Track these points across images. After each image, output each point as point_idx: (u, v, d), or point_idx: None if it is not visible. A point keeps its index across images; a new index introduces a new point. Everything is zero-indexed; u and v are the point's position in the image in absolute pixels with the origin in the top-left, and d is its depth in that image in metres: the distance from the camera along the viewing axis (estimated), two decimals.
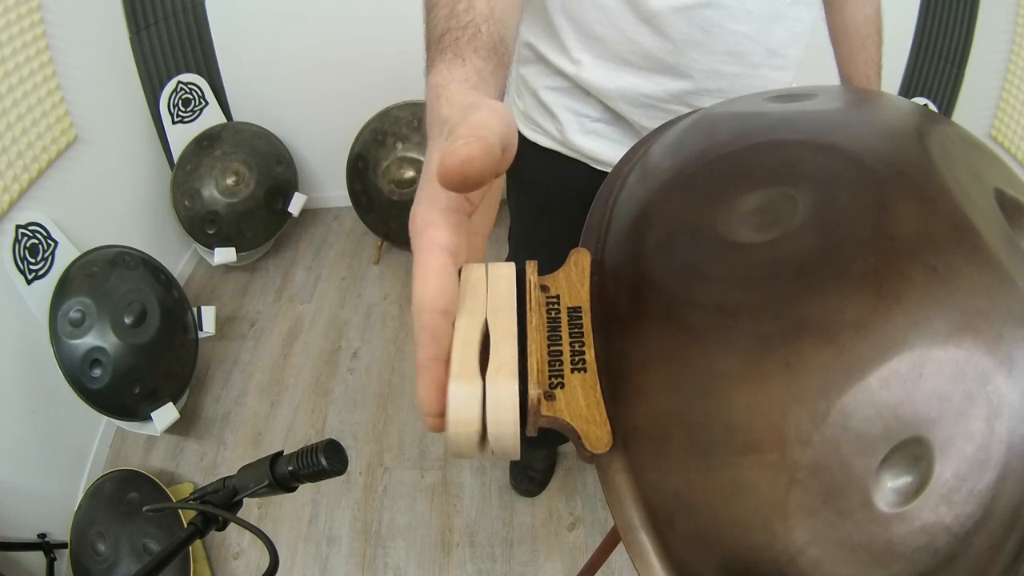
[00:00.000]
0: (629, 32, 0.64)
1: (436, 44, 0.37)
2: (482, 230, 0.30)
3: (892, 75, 2.02)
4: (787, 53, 0.66)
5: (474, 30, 0.37)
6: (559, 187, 0.82)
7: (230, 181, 1.93)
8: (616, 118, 0.72)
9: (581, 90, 0.71)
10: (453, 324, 0.26)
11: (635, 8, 0.62)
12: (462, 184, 0.24)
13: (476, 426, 0.24)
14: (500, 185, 0.31)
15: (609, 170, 0.75)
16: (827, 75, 0.73)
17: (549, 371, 0.27)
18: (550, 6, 0.68)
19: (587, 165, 0.77)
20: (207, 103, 2.01)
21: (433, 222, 0.26)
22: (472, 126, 0.25)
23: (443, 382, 0.25)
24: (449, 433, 0.25)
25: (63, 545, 1.33)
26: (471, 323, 0.26)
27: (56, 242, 1.43)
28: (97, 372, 1.39)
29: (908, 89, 2.05)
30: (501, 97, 0.36)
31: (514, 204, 0.96)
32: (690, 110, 0.65)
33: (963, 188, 0.26)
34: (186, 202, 1.91)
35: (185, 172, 1.91)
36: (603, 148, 0.74)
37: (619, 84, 0.68)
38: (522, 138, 0.82)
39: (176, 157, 1.93)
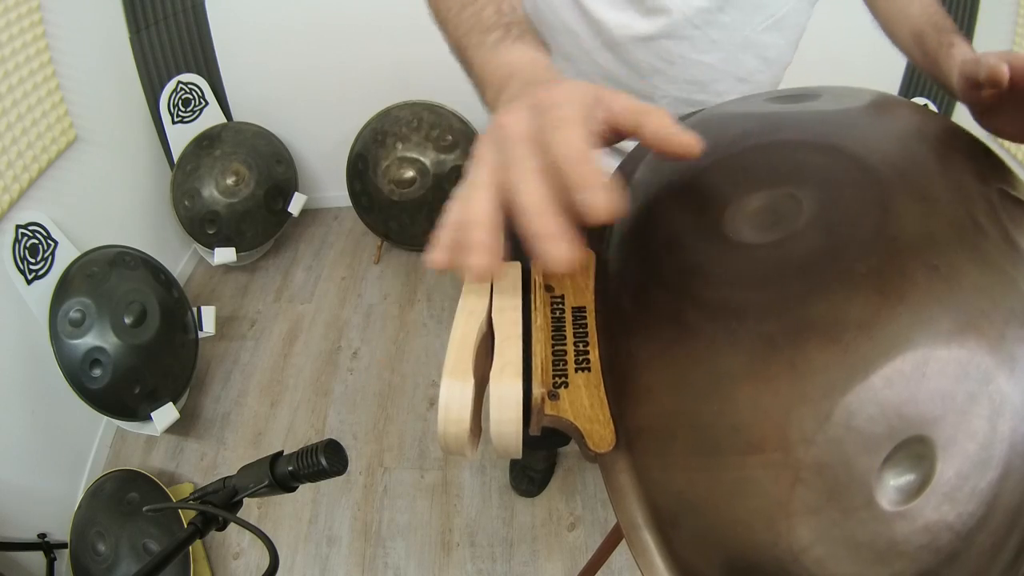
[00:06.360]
0: (595, 56, 0.64)
1: (500, 29, 0.39)
2: None
3: (892, 75, 2.02)
4: (758, 79, 0.64)
5: (529, 26, 0.40)
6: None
7: (230, 181, 1.93)
8: None
9: None
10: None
11: (599, 35, 0.62)
12: None
13: (467, 424, 0.24)
14: None
15: None
16: (824, 76, 0.72)
17: (553, 370, 0.27)
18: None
19: None
20: (207, 103, 2.01)
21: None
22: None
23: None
24: (440, 431, 0.25)
25: (63, 545, 1.33)
26: (470, 321, 0.27)
27: (56, 242, 1.43)
28: (97, 372, 1.39)
29: (908, 89, 2.05)
30: None
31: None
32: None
33: (964, 188, 0.26)
34: (186, 202, 1.90)
35: (185, 172, 1.91)
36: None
37: None
38: None
39: (176, 157, 1.93)
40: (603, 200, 0.23)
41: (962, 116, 0.40)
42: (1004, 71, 0.33)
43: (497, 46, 0.38)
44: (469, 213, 0.25)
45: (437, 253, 0.26)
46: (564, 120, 0.25)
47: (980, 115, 0.39)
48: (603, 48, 0.62)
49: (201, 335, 1.67)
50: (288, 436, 1.65)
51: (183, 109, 1.95)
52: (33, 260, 1.37)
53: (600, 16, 0.59)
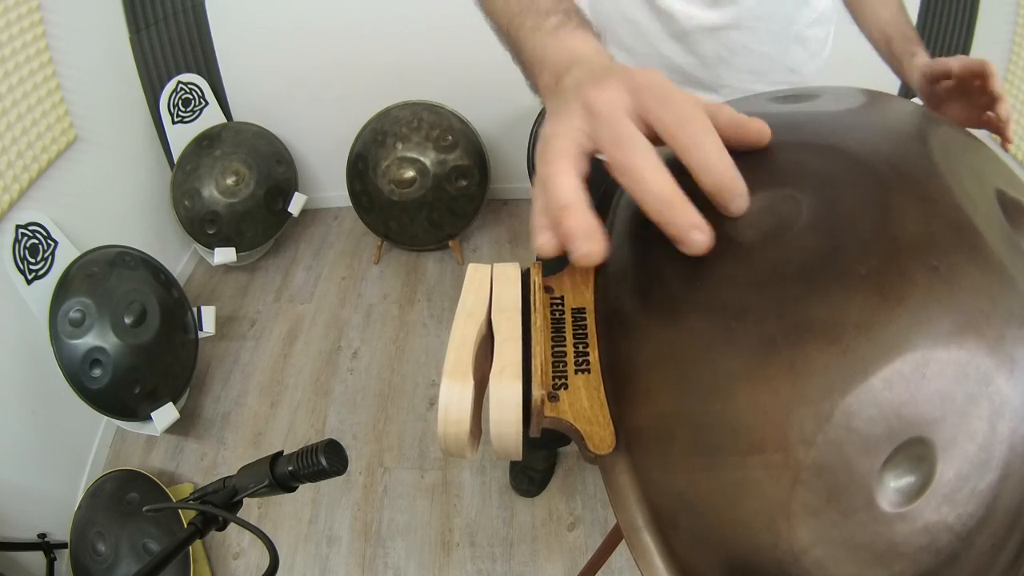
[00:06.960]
0: (661, 48, 0.66)
1: (559, 15, 0.39)
2: None
3: (892, 75, 2.01)
4: (804, 70, 0.70)
5: (585, 16, 0.40)
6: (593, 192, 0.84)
7: (230, 181, 1.93)
8: None
9: None
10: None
11: (666, 26, 0.64)
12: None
13: (466, 425, 0.24)
14: None
15: None
16: (824, 76, 0.73)
17: (553, 372, 0.27)
18: None
19: None
20: (207, 103, 2.01)
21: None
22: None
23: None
24: (439, 432, 0.25)
25: (63, 545, 1.33)
26: (470, 323, 0.27)
27: (56, 242, 1.43)
28: (97, 372, 1.39)
29: (908, 89, 2.05)
30: None
31: None
32: None
33: (964, 188, 0.26)
34: (186, 202, 1.90)
35: (185, 172, 1.91)
36: None
37: None
38: None
39: (176, 157, 1.93)
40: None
41: None
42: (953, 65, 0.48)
43: (557, 31, 0.38)
44: (560, 194, 0.26)
45: (545, 237, 0.27)
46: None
47: (935, 107, 0.50)
48: (670, 39, 0.65)
49: (201, 335, 1.67)
50: (288, 436, 1.65)
51: (183, 109, 1.95)
52: (33, 260, 1.37)
53: (669, 7, 0.62)
